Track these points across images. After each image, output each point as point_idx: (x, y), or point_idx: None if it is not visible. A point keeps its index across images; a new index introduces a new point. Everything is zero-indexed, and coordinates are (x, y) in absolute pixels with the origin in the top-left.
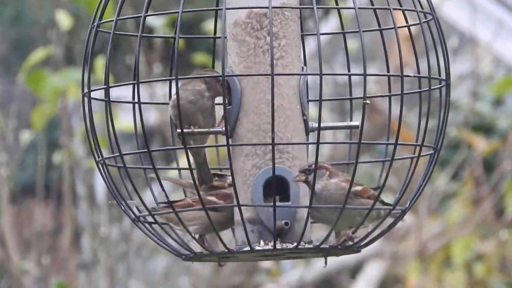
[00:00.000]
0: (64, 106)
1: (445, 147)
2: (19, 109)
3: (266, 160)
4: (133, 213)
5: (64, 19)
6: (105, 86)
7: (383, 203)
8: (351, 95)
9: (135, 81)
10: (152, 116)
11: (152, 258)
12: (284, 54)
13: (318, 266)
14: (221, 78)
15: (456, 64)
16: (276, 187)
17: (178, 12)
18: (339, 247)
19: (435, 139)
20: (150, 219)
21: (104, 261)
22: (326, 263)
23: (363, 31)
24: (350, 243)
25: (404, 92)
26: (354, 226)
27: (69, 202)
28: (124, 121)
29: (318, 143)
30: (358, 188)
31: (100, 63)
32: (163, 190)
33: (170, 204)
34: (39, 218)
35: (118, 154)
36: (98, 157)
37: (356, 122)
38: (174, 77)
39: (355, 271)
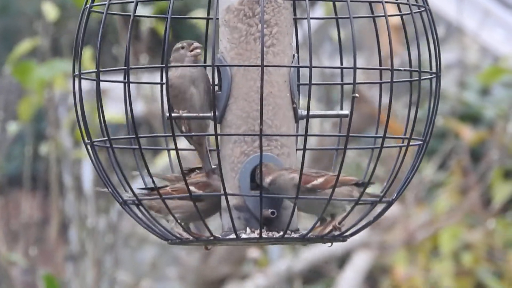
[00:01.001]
0: (51, 97)
1: (432, 136)
2: (5, 100)
3: (255, 147)
4: (121, 197)
5: (50, 10)
6: (96, 70)
7: (369, 194)
8: (342, 81)
9: (126, 67)
10: (139, 106)
11: (140, 248)
12: (275, 42)
13: (305, 256)
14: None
15: (443, 54)
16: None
17: (170, 0)
18: (326, 236)
19: (423, 131)
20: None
21: (92, 252)
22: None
23: (354, 17)
24: (337, 232)
25: (394, 80)
26: (336, 215)
27: (56, 193)
28: (111, 111)
29: (306, 135)
30: (318, 181)
31: (87, 54)
32: (151, 177)
33: (157, 190)
34: (26, 209)
35: (106, 138)
36: (88, 139)
37: (346, 111)
38: (164, 65)
39: (343, 261)
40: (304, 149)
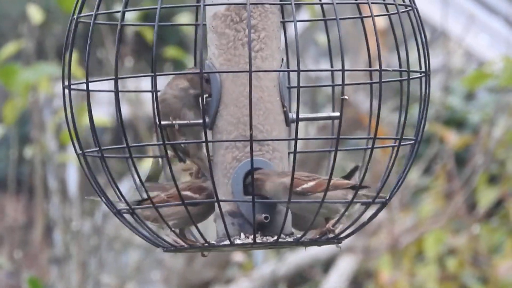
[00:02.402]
0: (36, 100)
1: None
2: None
3: (246, 153)
4: (115, 207)
5: (35, 13)
6: (85, 81)
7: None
8: (333, 83)
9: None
10: (124, 110)
11: (124, 251)
12: (263, 46)
13: (290, 260)
14: (203, 74)
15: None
16: None
17: (157, 8)
18: (320, 239)
19: (415, 130)
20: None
21: (76, 255)
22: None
23: (341, 18)
24: (331, 235)
25: (383, 80)
26: (330, 218)
27: (41, 196)
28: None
29: (296, 139)
30: (308, 185)
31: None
32: (142, 183)
33: (151, 199)
34: (10, 213)
35: (97, 148)
36: (80, 150)
37: (336, 113)
38: (152, 74)
39: (327, 265)
40: (295, 152)
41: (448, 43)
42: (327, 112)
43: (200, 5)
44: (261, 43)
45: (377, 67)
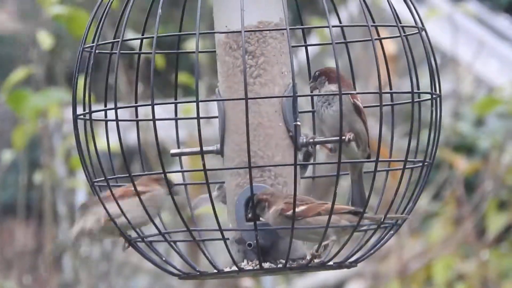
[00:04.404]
0: (45, 126)
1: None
2: (0, 128)
3: (248, 179)
4: (129, 236)
5: (45, 39)
6: (87, 111)
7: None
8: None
9: (114, 107)
10: (133, 135)
11: (133, 277)
12: (262, 72)
13: (299, 285)
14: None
15: None
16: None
17: (153, 37)
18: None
19: (430, 152)
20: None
21: (85, 280)
22: None
23: (349, 41)
24: (317, 260)
25: (395, 103)
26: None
27: (50, 222)
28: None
29: (295, 164)
30: (298, 209)
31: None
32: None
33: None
34: (20, 238)
35: (103, 178)
36: (93, 179)
37: (346, 136)
38: (151, 103)
39: None
40: (295, 178)
41: (458, 69)
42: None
43: (195, 33)
44: (259, 68)
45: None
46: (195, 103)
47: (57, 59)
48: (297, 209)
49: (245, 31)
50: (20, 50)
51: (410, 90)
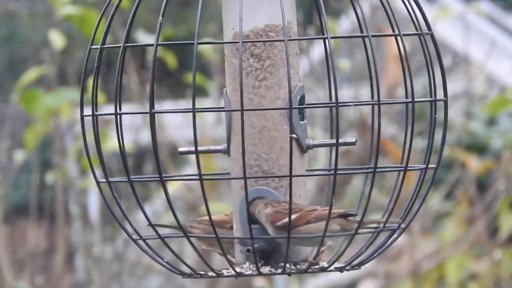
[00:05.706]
0: (57, 126)
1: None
2: (12, 129)
3: (251, 181)
4: (140, 235)
5: (57, 39)
6: (92, 114)
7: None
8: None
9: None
10: (145, 136)
11: (146, 277)
12: (267, 75)
13: (311, 285)
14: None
15: (449, 84)
16: None
17: (154, 45)
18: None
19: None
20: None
21: (98, 280)
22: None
23: (370, 36)
24: (315, 267)
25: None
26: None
27: (62, 222)
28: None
29: (291, 176)
30: (287, 219)
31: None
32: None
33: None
34: (32, 238)
35: (106, 180)
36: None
37: (352, 138)
38: (149, 111)
39: None
40: (291, 181)
41: (470, 69)
42: (343, 138)
43: (194, 43)
44: (265, 72)
45: (398, 92)
46: (205, 102)
47: (69, 59)
48: (285, 220)
49: (243, 41)
50: (32, 50)
51: (426, 100)
